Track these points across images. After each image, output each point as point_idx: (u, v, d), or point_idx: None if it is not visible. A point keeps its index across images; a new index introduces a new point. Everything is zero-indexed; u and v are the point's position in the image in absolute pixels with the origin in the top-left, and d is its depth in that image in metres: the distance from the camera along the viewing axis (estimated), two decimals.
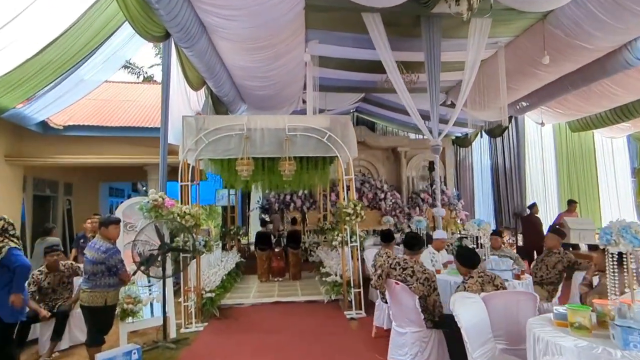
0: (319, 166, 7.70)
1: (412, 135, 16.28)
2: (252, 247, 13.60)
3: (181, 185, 6.91)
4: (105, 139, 9.23)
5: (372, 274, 5.86)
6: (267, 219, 11.26)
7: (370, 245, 8.73)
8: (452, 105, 12.78)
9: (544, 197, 13.03)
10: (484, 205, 14.95)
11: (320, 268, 8.31)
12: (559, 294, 5.63)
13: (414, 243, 4.74)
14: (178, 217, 6.41)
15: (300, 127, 7.17)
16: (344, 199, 7.21)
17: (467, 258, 4.34)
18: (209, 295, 6.91)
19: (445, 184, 15.05)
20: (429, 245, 6.55)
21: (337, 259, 8.30)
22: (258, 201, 14.44)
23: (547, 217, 12.33)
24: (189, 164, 6.94)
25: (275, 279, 9.19)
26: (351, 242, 7.00)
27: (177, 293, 7.00)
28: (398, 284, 4.48)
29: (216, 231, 15.63)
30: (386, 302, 5.28)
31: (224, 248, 10.38)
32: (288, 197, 13.93)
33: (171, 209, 6.40)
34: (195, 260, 6.93)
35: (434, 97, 8.60)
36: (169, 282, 6.20)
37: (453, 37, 9.09)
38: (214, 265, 8.43)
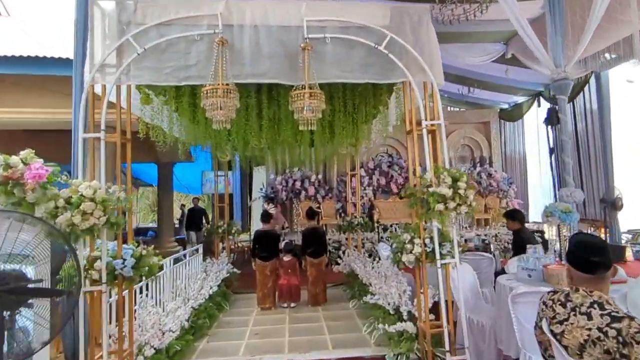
0: (369, 106, 3.77)
1: (448, 107, 12.27)
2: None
3: (84, 140, 2.99)
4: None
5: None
6: (272, 209, 7.32)
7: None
8: (514, 59, 8.72)
9: (636, 178, 9.09)
10: (543, 191, 10.96)
11: (367, 295, 4.37)
12: None
13: None
14: (65, 206, 2.56)
15: (333, 24, 3.24)
16: (423, 170, 3.31)
17: None
18: None
19: (491, 166, 11.12)
20: None
21: (394, 278, 4.36)
22: (261, 188, 10.50)
23: None
24: (99, 96, 3.04)
25: (285, 305, 5.29)
26: (442, 255, 3.10)
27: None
28: None
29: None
30: None
31: (207, 254, 6.45)
32: (298, 183, 10.01)
33: (45, 185, 2.51)
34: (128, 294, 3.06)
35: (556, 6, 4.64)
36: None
37: None
38: (184, 292, 4.55)
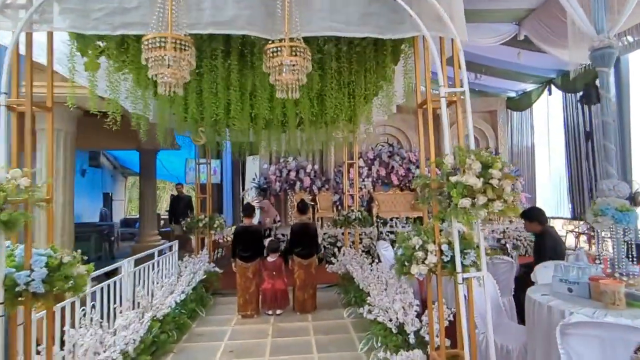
0: (369, 73, 2.94)
1: None
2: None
3: None
4: None
5: None
6: (256, 202, 6.49)
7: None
8: (527, 40, 7.76)
9: None
10: (552, 185, 10.12)
11: (365, 306, 3.54)
12: None
13: None
14: None
15: None
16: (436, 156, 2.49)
17: None
18: None
19: None
20: None
21: (397, 286, 3.55)
22: (254, 178, 9.66)
23: None
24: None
25: (270, 312, 4.50)
26: (465, 266, 2.29)
27: None
28: None
29: None
30: None
31: (186, 251, 5.64)
32: (293, 174, 9.18)
33: None
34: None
35: None
36: None
37: None
38: (147, 299, 3.73)
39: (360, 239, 7.12)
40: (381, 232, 7.71)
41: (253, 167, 10.39)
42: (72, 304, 2.88)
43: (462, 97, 2.59)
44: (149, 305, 3.55)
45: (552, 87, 9.71)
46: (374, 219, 8.10)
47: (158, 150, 7.88)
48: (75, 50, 2.51)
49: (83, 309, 2.98)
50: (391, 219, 8.68)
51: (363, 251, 6.53)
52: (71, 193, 4.60)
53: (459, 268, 2.24)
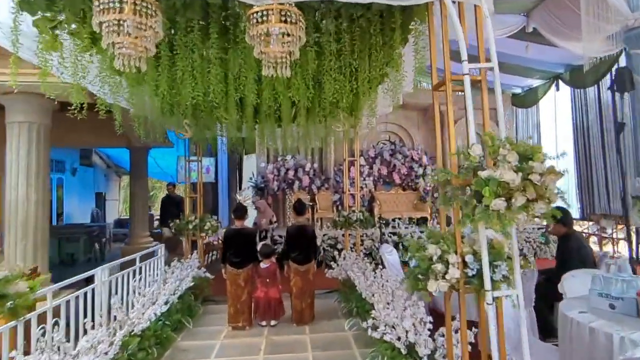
0: (374, 48, 2.50)
1: (456, 93, 10.92)
2: None
3: None
4: None
5: None
6: (249, 200, 6.05)
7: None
8: (535, 33, 7.29)
9: None
10: (560, 184, 9.67)
11: (369, 320, 3.08)
12: None
13: None
14: None
15: None
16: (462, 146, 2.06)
17: None
18: None
19: None
20: None
21: (406, 297, 3.10)
22: (251, 178, 9.21)
23: None
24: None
25: (264, 324, 4.05)
26: (494, 282, 1.84)
27: None
28: None
29: None
30: None
31: (173, 254, 5.18)
32: (291, 172, 8.73)
33: None
34: None
35: None
36: None
37: None
38: (123, 313, 3.29)
39: (362, 240, 6.68)
40: (383, 234, 7.28)
41: (250, 166, 9.95)
42: (27, 322, 2.43)
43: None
44: (125, 319, 3.10)
45: (560, 82, 9.26)
46: (376, 219, 7.66)
47: (150, 148, 7.44)
48: (19, 20, 2.06)
49: (42, 327, 2.53)
50: (393, 220, 8.26)
51: (365, 254, 6.09)
52: (46, 190, 4.17)
53: (487, 285, 1.80)
